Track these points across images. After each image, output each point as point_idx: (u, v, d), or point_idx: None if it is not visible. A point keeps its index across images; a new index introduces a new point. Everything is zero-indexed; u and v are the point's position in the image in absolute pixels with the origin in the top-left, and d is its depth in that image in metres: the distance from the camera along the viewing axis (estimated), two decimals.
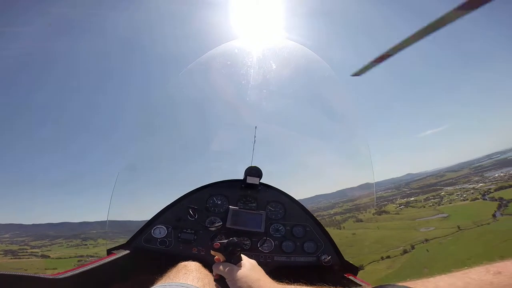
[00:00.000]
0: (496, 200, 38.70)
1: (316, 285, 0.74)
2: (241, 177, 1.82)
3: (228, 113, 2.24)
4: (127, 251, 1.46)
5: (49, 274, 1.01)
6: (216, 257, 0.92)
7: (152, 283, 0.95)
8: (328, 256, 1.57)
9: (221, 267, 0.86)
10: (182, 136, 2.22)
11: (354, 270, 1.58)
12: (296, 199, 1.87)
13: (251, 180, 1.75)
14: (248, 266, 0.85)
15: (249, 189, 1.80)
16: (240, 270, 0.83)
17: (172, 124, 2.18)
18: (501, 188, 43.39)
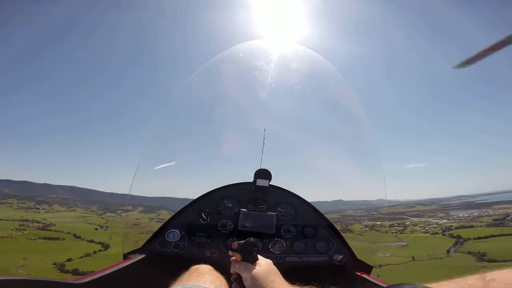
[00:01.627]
0: (454, 237, 39.48)
1: (329, 285, 0.78)
2: (251, 179, 1.83)
3: (237, 115, 2.21)
4: (143, 255, 1.49)
5: (69, 279, 1.05)
6: (233, 257, 0.98)
7: (169, 287, 1.00)
8: (341, 255, 1.57)
9: (238, 266, 0.91)
10: (190, 139, 2.20)
11: (368, 268, 1.57)
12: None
13: (261, 182, 1.74)
14: (265, 266, 0.89)
15: (259, 192, 1.79)
16: (257, 270, 0.86)
17: (182, 126, 2.15)
18: (462, 227, 45.03)
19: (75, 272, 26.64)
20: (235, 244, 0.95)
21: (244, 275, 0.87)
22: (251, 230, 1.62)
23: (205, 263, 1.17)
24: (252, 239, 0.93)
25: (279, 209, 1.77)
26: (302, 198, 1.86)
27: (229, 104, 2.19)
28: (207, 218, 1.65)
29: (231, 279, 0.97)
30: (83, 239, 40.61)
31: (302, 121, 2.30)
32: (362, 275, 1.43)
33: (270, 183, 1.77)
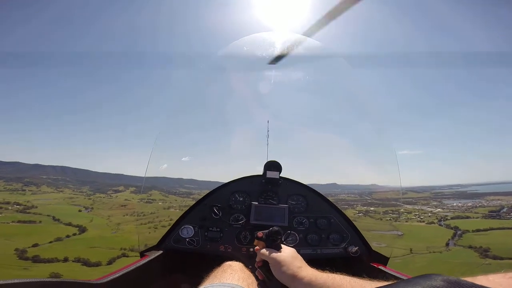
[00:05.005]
0: (451, 228, 38.20)
1: (351, 276, 0.79)
2: (254, 172, 1.90)
3: (241, 109, 2.33)
4: (159, 252, 1.51)
5: (89, 279, 1.08)
6: (257, 247, 1.04)
7: (186, 282, 1.02)
8: (356, 247, 1.58)
9: (266, 252, 0.94)
10: (196, 135, 2.22)
11: (384, 260, 1.55)
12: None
13: (271, 174, 1.77)
14: (290, 253, 0.93)
15: (269, 184, 1.81)
16: (283, 256, 0.90)
17: (188, 124, 2.17)
18: (457, 217, 44.05)
19: (35, 259, 24.12)
20: (260, 233, 1.00)
21: (271, 261, 0.90)
22: (264, 223, 1.63)
23: (218, 258, 1.20)
24: (276, 227, 0.98)
25: (290, 201, 1.78)
26: (313, 189, 1.85)
27: (231, 97, 2.21)
28: (219, 212, 1.68)
29: (255, 266, 1.00)
30: (61, 222, 38.35)
31: (305, 110, 2.46)
32: (379, 267, 1.44)
33: (280, 175, 1.79)
